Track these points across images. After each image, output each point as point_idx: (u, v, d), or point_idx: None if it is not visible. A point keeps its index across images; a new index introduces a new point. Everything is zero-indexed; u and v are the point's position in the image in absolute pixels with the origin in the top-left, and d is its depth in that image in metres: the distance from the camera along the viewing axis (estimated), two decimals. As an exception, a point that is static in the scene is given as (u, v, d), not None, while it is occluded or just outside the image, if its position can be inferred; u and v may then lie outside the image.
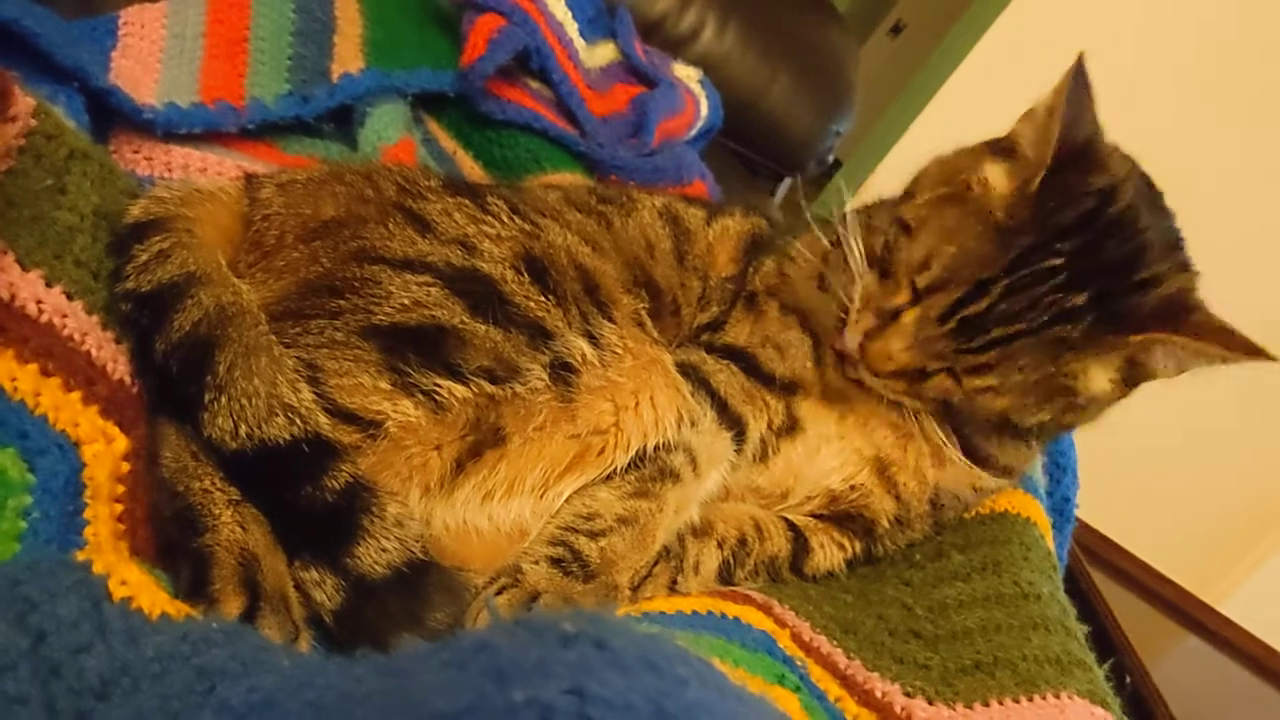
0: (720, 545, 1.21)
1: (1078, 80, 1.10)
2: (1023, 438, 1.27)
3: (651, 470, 1.15)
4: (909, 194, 1.25)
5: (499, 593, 1.00)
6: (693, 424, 1.18)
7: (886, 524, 1.30)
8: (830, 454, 1.28)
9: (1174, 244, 1.17)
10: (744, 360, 1.28)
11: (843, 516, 1.30)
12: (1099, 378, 1.13)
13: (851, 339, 1.20)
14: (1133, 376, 1.14)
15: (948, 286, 1.12)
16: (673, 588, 1.16)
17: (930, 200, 1.20)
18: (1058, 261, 1.08)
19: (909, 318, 1.15)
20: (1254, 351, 1.08)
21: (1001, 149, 1.18)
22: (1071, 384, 1.13)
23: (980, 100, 3.58)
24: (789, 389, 1.28)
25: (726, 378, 1.25)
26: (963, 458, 1.23)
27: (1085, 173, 1.11)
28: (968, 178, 1.17)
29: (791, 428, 1.27)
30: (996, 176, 1.15)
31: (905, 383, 1.19)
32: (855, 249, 1.23)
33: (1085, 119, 1.12)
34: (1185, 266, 1.17)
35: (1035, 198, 1.09)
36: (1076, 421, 1.23)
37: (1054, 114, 1.10)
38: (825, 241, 1.33)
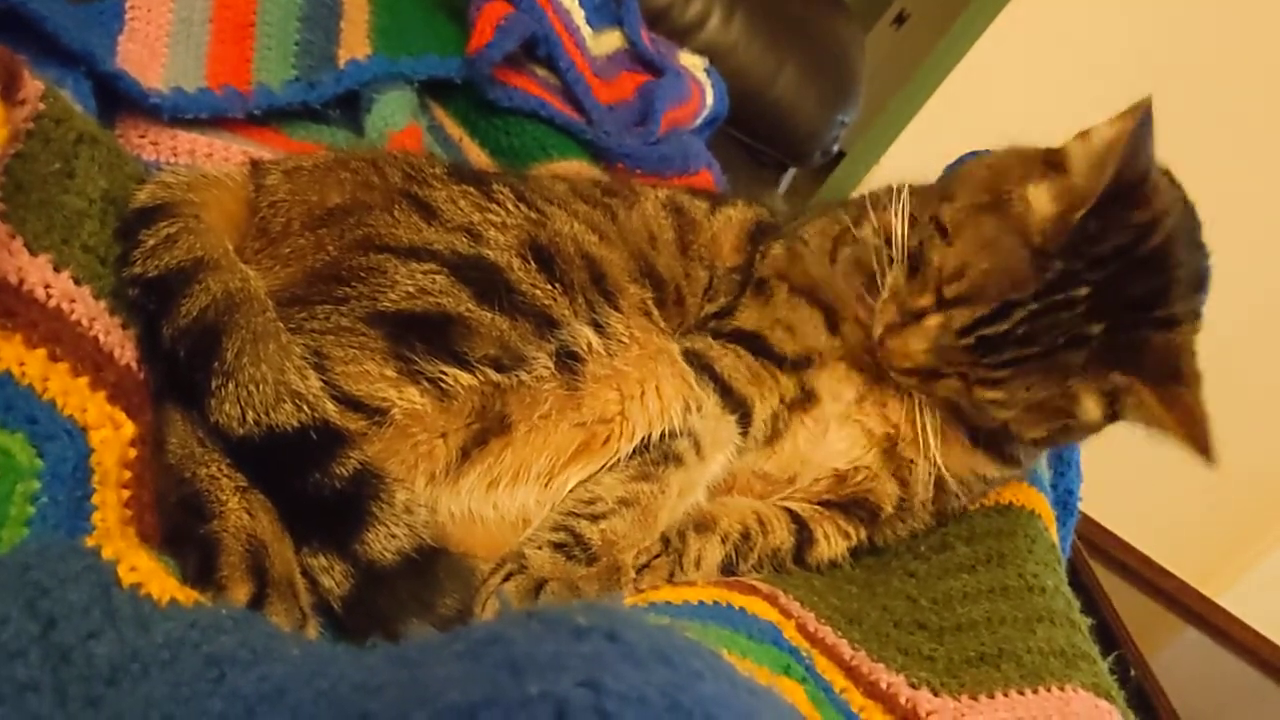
0: (723, 540, 1.21)
1: (1144, 119, 1.07)
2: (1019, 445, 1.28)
3: (655, 455, 1.15)
4: (949, 194, 1.23)
5: (505, 579, 1.00)
6: (697, 409, 1.19)
7: (891, 509, 1.30)
8: (839, 432, 1.28)
9: (1198, 286, 1.17)
10: (753, 342, 1.28)
11: (848, 503, 1.30)
12: (1092, 407, 1.14)
13: (875, 328, 1.21)
14: (1112, 411, 1.15)
15: (974, 302, 1.12)
16: (670, 579, 1.16)
17: (970, 206, 1.19)
18: (1084, 291, 1.08)
19: (932, 322, 1.16)
20: (1202, 446, 1.08)
21: (1052, 164, 1.16)
22: (1070, 407, 1.15)
23: (985, 91, 3.58)
24: (801, 364, 1.28)
25: (731, 361, 1.25)
26: (936, 451, 1.24)
27: (1130, 207, 1.10)
28: (1011, 191, 1.15)
29: (806, 400, 1.27)
30: (1040, 198, 1.13)
31: (918, 379, 1.21)
32: (901, 227, 1.22)
33: (1144, 157, 1.09)
34: (1197, 314, 1.16)
35: (1077, 227, 1.08)
36: (1068, 441, 1.26)
37: (1113, 149, 1.08)
38: (847, 219, 1.32)
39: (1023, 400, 1.15)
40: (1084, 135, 1.15)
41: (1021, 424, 1.19)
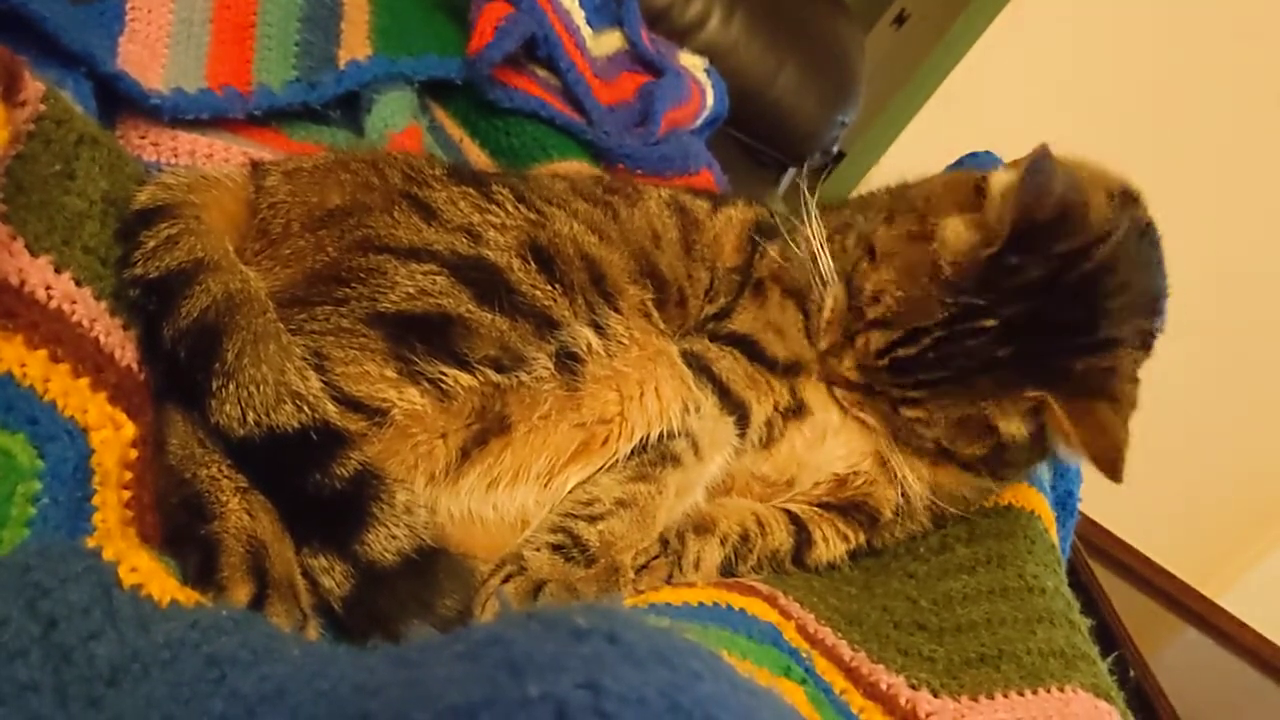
0: (722, 542, 1.21)
1: (1033, 170, 1.10)
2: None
3: (653, 456, 1.16)
4: (890, 216, 1.28)
5: (505, 581, 1.01)
6: (696, 411, 1.19)
7: (890, 514, 1.31)
8: (835, 439, 1.28)
9: (1146, 307, 1.19)
10: (747, 345, 1.28)
11: (848, 506, 1.30)
12: (1012, 425, 1.17)
13: (820, 344, 1.28)
14: (1042, 433, 1.18)
15: (888, 326, 1.18)
16: (669, 581, 1.16)
17: (900, 235, 1.24)
18: (991, 323, 1.12)
19: (860, 342, 1.21)
20: (1111, 466, 1.10)
21: (980, 191, 1.19)
22: (994, 424, 1.18)
23: (985, 92, 3.58)
24: (792, 371, 1.29)
25: (729, 364, 1.25)
26: (906, 471, 1.26)
27: (1052, 239, 1.12)
28: (935, 220, 1.20)
29: (798, 409, 1.28)
30: (956, 232, 1.17)
31: (859, 395, 1.25)
32: (824, 258, 1.28)
33: (1047, 199, 1.11)
34: (1147, 334, 1.18)
35: (986, 264, 1.12)
36: (1016, 459, 1.25)
37: (1007, 196, 1.12)
38: (824, 232, 1.34)
39: (943, 420, 1.19)
40: (1009, 167, 1.20)
41: (953, 442, 1.21)
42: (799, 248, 1.33)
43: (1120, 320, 1.15)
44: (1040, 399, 1.13)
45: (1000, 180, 1.16)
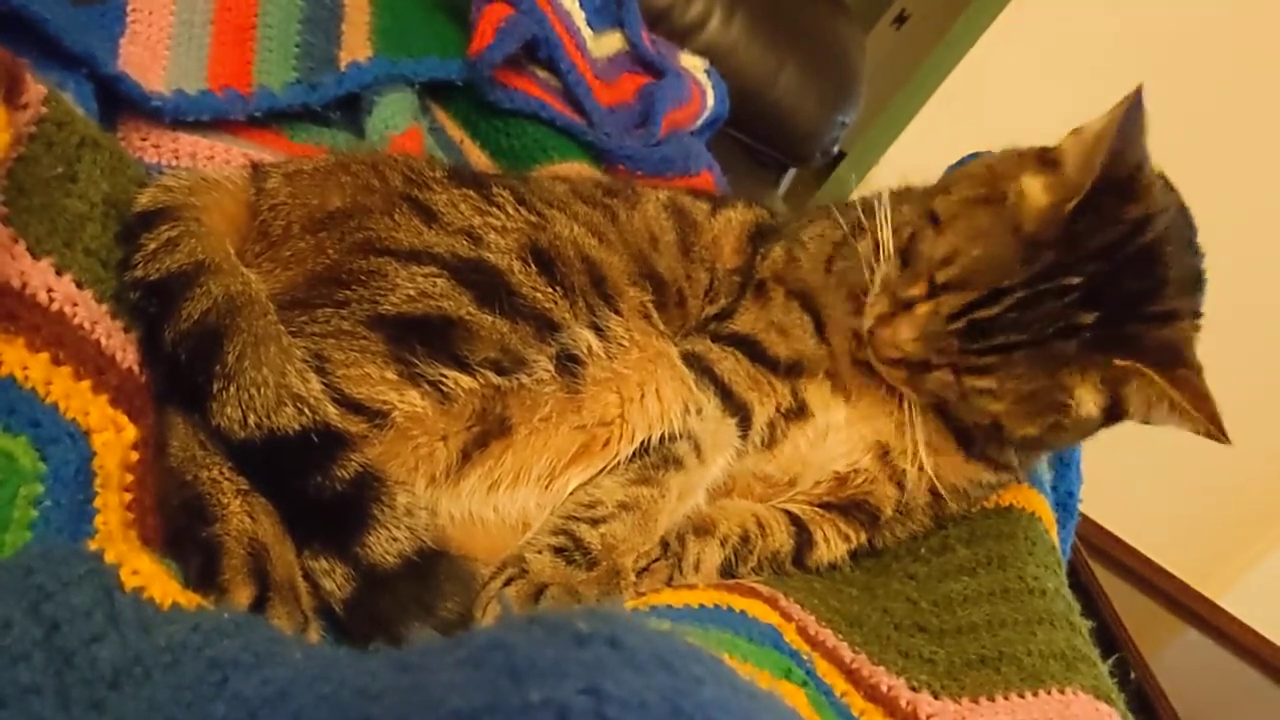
0: (723, 543, 1.21)
1: (1132, 111, 1.09)
2: (1011, 447, 1.27)
3: (655, 459, 1.16)
4: (945, 189, 1.26)
5: (506, 584, 1.01)
6: (697, 412, 1.19)
7: (890, 512, 1.31)
8: (836, 438, 1.28)
9: (1195, 285, 1.18)
10: (749, 346, 1.28)
11: (849, 505, 1.30)
12: (1087, 399, 1.14)
13: (866, 321, 1.21)
14: (1112, 408, 1.15)
15: (965, 287, 1.13)
16: (669, 583, 1.17)
17: (965, 199, 1.21)
18: (1076, 281, 1.09)
19: (922, 310, 1.17)
20: (1215, 424, 1.09)
21: (1047, 161, 1.18)
22: (1064, 400, 1.14)
23: (986, 92, 3.58)
24: (794, 371, 1.28)
25: (731, 365, 1.26)
26: (927, 460, 1.25)
27: (1123, 201, 1.11)
28: (1006, 185, 1.17)
29: (799, 411, 1.28)
30: (1034, 189, 1.15)
31: (906, 372, 1.21)
32: (886, 232, 1.23)
33: (1133, 150, 1.11)
34: (1197, 313, 1.17)
35: (1068, 218, 1.10)
36: (1059, 442, 1.26)
37: (1101, 141, 1.10)
38: (844, 226, 1.33)
39: (1013, 391, 1.15)
40: (1077, 131, 1.17)
41: (1013, 418, 1.18)
42: (854, 234, 1.31)
43: (1179, 292, 1.14)
44: (1131, 368, 1.10)
45: (1086, 131, 1.15)
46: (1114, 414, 1.16)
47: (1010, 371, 1.14)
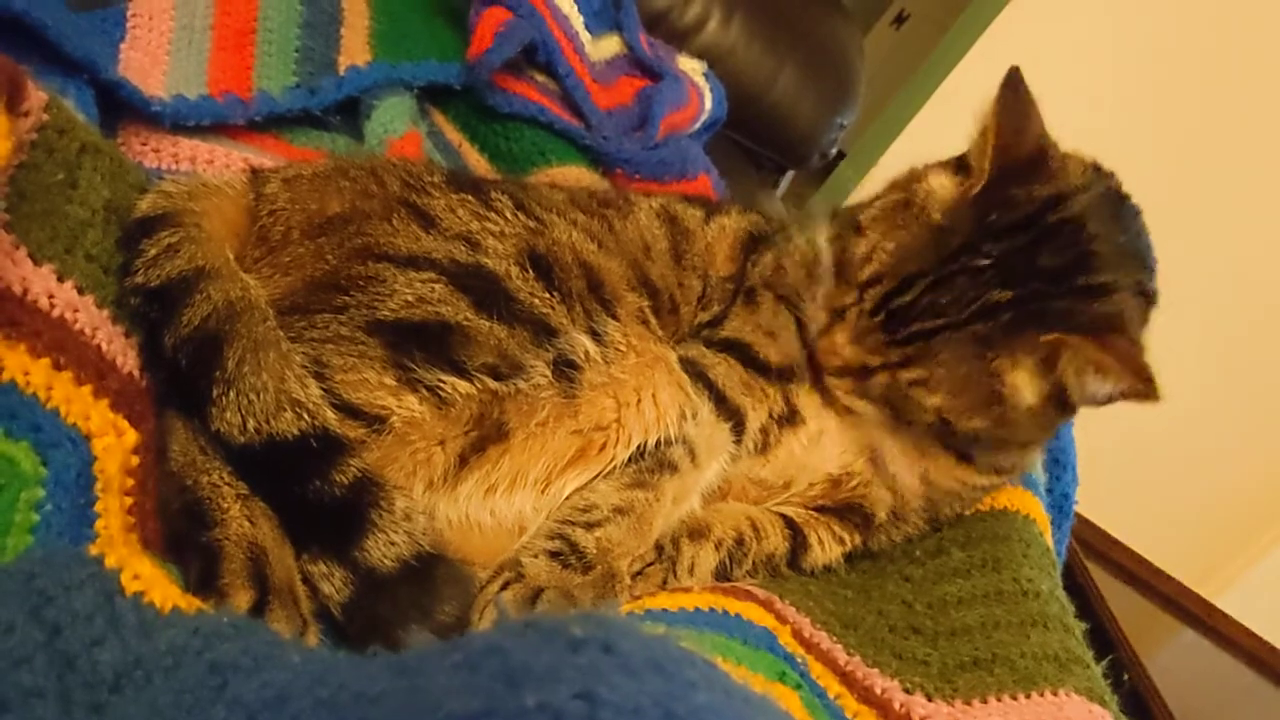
0: (717, 546, 1.22)
1: (1006, 95, 1.18)
2: (1002, 451, 1.29)
3: (650, 463, 1.16)
4: (870, 200, 1.30)
5: (503, 588, 1.01)
6: (693, 417, 1.19)
7: (884, 515, 1.31)
8: (829, 440, 1.29)
9: (1135, 260, 1.20)
10: (740, 350, 1.29)
11: (843, 508, 1.31)
12: (1023, 386, 1.16)
13: (810, 333, 1.28)
14: (1058, 395, 1.16)
15: (882, 280, 1.19)
16: (664, 586, 1.17)
17: (884, 204, 1.26)
18: (985, 261, 1.14)
19: (852, 313, 1.22)
20: (1143, 379, 1.09)
21: (960, 164, 1.24)
22: (999, 388, 1.16)
23: (985, 92, 3.56)
24: (785, 376, 1.29)
25: (725, 370, 1.26)
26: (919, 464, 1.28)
27: (1029, 182, 1.17)
28: (918, 185, 1.23)
29: (792, 416, 1.28)
30: (943, 184, 1.22)
31: (852, 381, 1.24)
32: (825, 254, 1.29)
33: (1025, 132, 1.19)
34: (1143, 290, 1.19)
35: (973, 203, 1.16)
36: (1016, 436, 1.25)
37: (987, 131, 1.18)
38: (822, 237, 1.34)
39: (945, 380, 1.17)
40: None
41: (955, 412, 1.19)
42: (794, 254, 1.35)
43: (1112, 265, 1.16)
44: (1056, 341, 1.12)
45: (978, 119, 1.21)
46: (1061, 401, 1.17)
47: (935, 358, 1.17)
